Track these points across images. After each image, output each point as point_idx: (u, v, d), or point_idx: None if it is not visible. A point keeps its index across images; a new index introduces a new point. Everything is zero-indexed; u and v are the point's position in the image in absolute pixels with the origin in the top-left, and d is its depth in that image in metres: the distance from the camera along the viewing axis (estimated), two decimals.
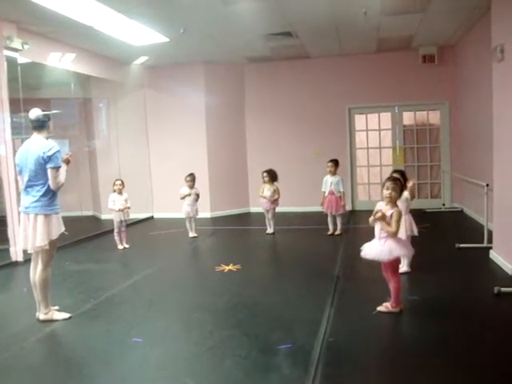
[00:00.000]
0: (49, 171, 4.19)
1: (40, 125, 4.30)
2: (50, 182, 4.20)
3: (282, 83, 10.57)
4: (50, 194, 4.25)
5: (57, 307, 4.56)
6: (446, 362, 3.31)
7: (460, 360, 3.34)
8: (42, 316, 4.37)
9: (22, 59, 6.82)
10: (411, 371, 3.24)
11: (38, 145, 4.23)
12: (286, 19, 7.27)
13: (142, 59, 9.66)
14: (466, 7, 6.97)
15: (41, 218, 4.22)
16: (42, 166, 4.19)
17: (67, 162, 4.39)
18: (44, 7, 5.89)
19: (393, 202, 4.22)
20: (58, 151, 4.22)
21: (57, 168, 4.21)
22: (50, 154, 4.16)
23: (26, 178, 4.29)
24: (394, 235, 4.12)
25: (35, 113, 4.28)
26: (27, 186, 4.29)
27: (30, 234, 4.23)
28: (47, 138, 4.32)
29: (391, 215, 4.13)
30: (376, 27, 7.99)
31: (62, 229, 4.38)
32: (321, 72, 10.40)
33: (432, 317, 4.15)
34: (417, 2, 6.67)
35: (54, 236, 4.27)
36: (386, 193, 4.23)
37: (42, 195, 4.22)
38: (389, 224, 4.10)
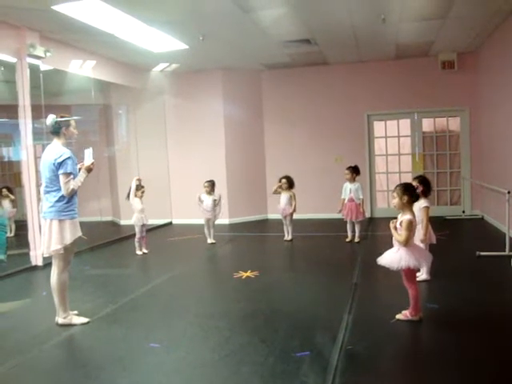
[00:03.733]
0: (60, 177, 4.27)
1: (54, 131, 4.39)
2: (62, 188, 4.28)
3: (300, 90, 10.56)
4: (65, 200, 4.31)
5: (75, 312, 4.59)
6: (464, 373, 3.26)
7: (479, 371, 3.28)
8: (60, 320, 4.41)
9: (44, 66, 6.95)
10: (429, 380, 3.19)
11: (52, 152, 4.33)
12: (305, 26, 7.28)
13: (162, 66, 9.76)
14: (486, 13, 6.90)
15: (55, 223, 4.28)
16: (55, 172, 4.28)
17: (89, 169, 4.43)
18: (66, 16, 6.00)
19: (404, 209, 4.15)
20: (69, 158, 4.29)
21: (67, 174, 4.27)
22: (60, 160, 4.25)
23: (44, 184, 4.39)
24: (403, 244, 4.05)
25: (49, 119, 4.39)
26: (45, 192, 4.38)
27: (46, 239, 4.31)
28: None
29: (401, 223, 4.08)
30: (395, 34, 7.95)
31: (78, 234, 4.41)
32: (339, 79, 10.38)
33: (451, 326, 4.09)
34: (436, 8, 6.63)
35: (68, 241, 4.31)
36: (393, 201, 4.20)
37: (57, 201, 4.29)
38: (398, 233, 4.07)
